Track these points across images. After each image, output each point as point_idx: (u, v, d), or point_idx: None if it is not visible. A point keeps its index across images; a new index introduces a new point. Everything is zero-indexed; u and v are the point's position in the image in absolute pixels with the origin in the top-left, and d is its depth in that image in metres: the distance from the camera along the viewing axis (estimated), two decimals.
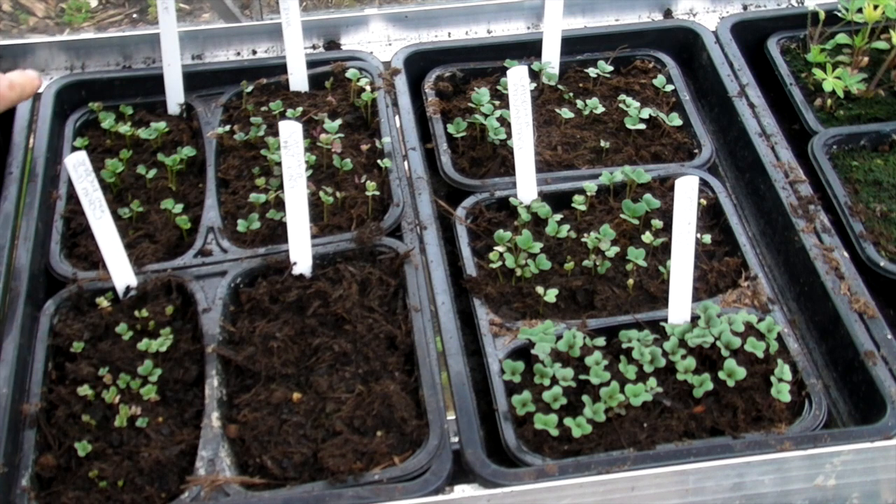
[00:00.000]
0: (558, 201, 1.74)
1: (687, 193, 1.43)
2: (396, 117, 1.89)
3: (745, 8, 2.24)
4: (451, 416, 1.42)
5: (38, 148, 1.81)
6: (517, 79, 1.62)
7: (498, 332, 1.54)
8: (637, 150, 1.86)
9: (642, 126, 1.89)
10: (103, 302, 1.56)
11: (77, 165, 1.44)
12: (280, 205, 1.70)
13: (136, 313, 1.55)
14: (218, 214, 1.72)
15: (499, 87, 1.96)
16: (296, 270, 1.60)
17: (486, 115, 1.88)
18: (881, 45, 1.98)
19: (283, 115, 1.87)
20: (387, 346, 1.53)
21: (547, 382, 1.45)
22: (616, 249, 1.65)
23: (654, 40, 2.08)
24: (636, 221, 1.70)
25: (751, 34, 2.08)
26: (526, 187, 1.72)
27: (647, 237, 1.66)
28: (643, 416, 1.43)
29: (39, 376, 1.48)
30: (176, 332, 1.55)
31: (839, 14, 1.98)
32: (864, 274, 1.61)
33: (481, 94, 1.92)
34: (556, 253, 1.67)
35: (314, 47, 2.14)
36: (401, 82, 1.95)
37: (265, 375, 1.48)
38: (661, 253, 1.68)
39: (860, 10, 1.94)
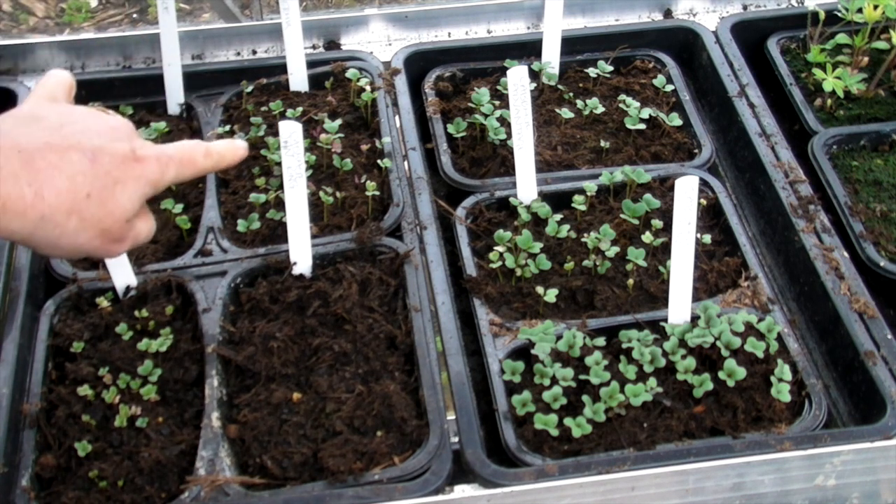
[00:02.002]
0: (558, 201, 1.74)
1: (687, 193, 1.43)
2: (396, 117, 1.89)
3: (745, 8, 2.24)
4: (451, 416, 1.42)
5: None
6: (517, 79, 1.62)
7: (498, 332, 1.54)
8: (637, 150, 1.86)
9: (642, 126, 1.89)
10: (103, 302, 1.56)
11: None
12: (280, 205, 1.70)
13: (136, 313, 1.55)
14: (218, 214, 1.72)
15: (499, 87, 1.96)
16: (296, 270, 1.60)
17: (486, 115, 1.88)
18: (881, 45, 1.98)
19: (283, 115, 1.88)
20: (387, 346, 1.53)
21: (547, 382, 1.45)
22: (616, 249, 1.65)
23: (654, 40, 2.08)
24: (636, 221, 1.70)
25: (751, 34, 2.08)
26: (526, 187, 1.72)
27: (647, 237, 1.66)
28: (643, 416, 1.43)
29: (39, 376, 1.48)
30: (176, 332, 1.55)
31: (839, 14, 1.98)
32: (864, 274, 1.61)
33: (481, 94, 1.92)
34: (556, 253, 1.67)
35: (314, 47, 2.14)
36: (401, 82, 1.95)
37: (265, 375, 1.48)
38: (661, 253, 1.68)
39: (860, 10, 1.94)
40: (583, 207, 1.71)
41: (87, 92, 1.94)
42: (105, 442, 1.42)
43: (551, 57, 2.01)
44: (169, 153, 1.16)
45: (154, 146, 1.15)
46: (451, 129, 1.87)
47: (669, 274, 1.51)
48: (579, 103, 1.94)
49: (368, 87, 1.91)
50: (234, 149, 1.25)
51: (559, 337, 1.50)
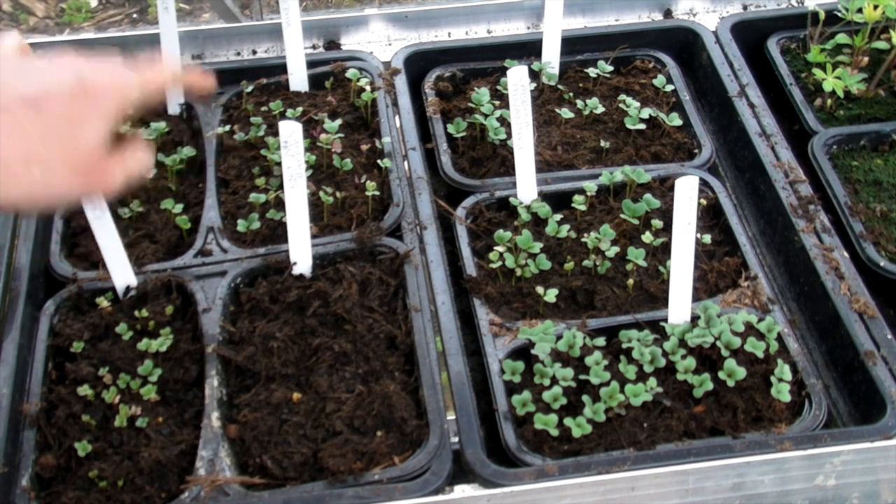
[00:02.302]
0: (558, 201, 1.74)
1: (687, 193, 1.43)
2: (396, 117, 1.89)
3: (745, 8, 2.24)
4: (451, 416, 1.42)
5: None
6: (517, 79, 1.62)
7: (498, 332, 1.54)
8: (637, 150, 1.86)
9: (642, 126, 1.89)
10: (103, 302, 1.56)
11: None
12: (280, 205, 1.70)
13: (136, 313, 1.55)
14: (218, 214, 1.72)
15: (499, 87, 1.96)
16: (296, 270, 1.60)
17: (486, 115, 1.88)
18: (881, 45, 1.98)
19: (283, 115, 1.88)
20: (387, 346, 1.53)
21: (547, 382, 1.45)
22: (616, 249, 1.65)
23: (654, 40, 2.08)
24: (636, 221, 1.70)
25: (751, 34, 2.08)
26: (526, 187, 1.72)
27: (647, 237, 1.66)
28: (643, 416, 1.43)
29: (39, 376, 1.48)
30: (176, 332, 1.55)
31: (839, 14, 1.98)
32: (864, 274, 1.61)
33: (481, 94, 1.92)
34: (556, 253, 1.67)
35: (314, 47, 2.14)
36: (401, 82, 1.95)
37: (265, 375, 1.48)
38: (661, 253, 1.68)
39: (860, 10, 1.94)
40: (583, 207, 1.71)
41: None
42: (105, 442, 1.42)
43: (551, 57, 2.01)
44: (127, 76, 1.12)
45: (110, 70, 1.11)
46: (451, 129, 1.87)
47: (669, 274, 1.51)
48: (579, 103, 1.94)
49: (368, 87, 1.91)
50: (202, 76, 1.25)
51: (559, 337, 1.50)
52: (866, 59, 1.97)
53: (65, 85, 1.08)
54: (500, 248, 1.64)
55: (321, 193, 1.70)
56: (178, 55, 1.89)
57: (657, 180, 1.78)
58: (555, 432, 1.40)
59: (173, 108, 1.94)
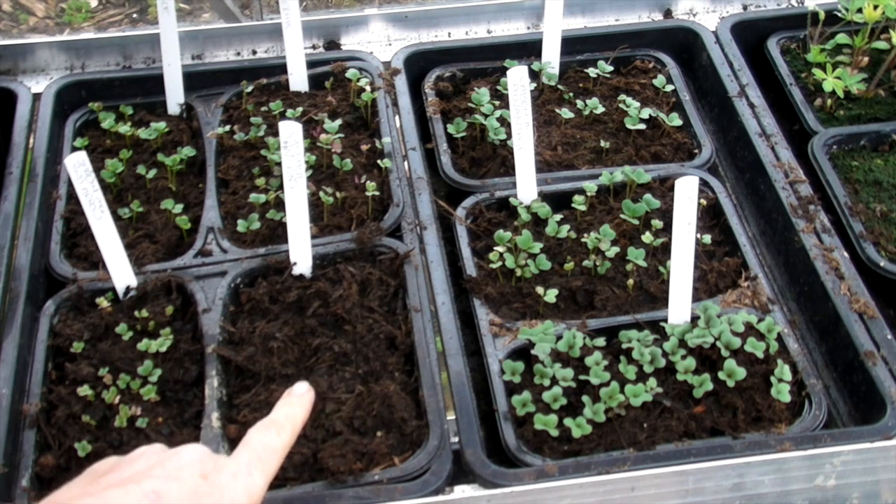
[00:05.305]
0: (558, 201, 1.74)
1: (687, 193, 1.43)
2: (396, 117, 1.89)
3: (745, 8, 2.24)
4: (451, 417, 1.42)
5: (38, 148, 1.81)
6: (517, 79, 1.62)
7: (498, 332, 1.54)
8: (637, 150, 1.86)
9: (642, 126, 1.89)
10: (103, 302, 1.56)
11: (77, 166, 1.44)
12: (280, 205, 1.70)
13: (136, 313, 1.55)
14: (218, 214, 1.72)
15: (499, 87, 1.96)
16: (296, 271, 1.60)
17: (486, 115, 1.87)
18: (881, 45, 1.98)
19: (283, 115, 1.87)
20: (387, 346, 1.53)
21: (547, 383, 1.45)
22: (616, 249, 1.65)
23: (654, 40, 2.08)
24: (636, 221, 1.70)
25: (751, 34, 2.08)
26: (526, 187, 1.72)
27: (647, 237, 1.66)
28: (643, 417, 1.43)
29: (39, 376, 1.48)
30: (176, 333, 1.55)
31: (839, 14, 1.98)
32: (864, 274, 1.61)
33: (481, 94, 1.92)
34: (556, 253, 1.67)
35: (314, 47, 2.14)
36: (401, 82, 1.95)
37: (265, 376, 1.48)
38: (661, 253, 1.68)
39: (860, 10, 1.94)
40: (583, 207, 1.71)
41: (87, 92, 1.94)
42: (105, 442, 1.42)
43: (551, 57, 2.01)
44: (243, 460, 1.10)
45: (229, 461, 1.09)
46: (451, 129, 1.87)
47: (669, 274, 1.51)
48: (579, 103, 1.94)
49: (368, 87, 1.91)
50: (300, 400, 1.21)
51: (559, 337, 1.50)
52: (866, 59, 1.97)
53: (187, 477, 1.06)
54: (500, 249, 1.64)
55: (321, 193, 1.70)
56: (178, 55, 1.89)
57: (657, 180, 1.78)
58: (555, 432, 1.40)
59: (173, 108, 1.94)
